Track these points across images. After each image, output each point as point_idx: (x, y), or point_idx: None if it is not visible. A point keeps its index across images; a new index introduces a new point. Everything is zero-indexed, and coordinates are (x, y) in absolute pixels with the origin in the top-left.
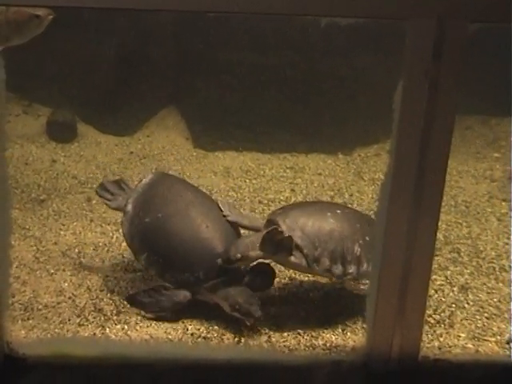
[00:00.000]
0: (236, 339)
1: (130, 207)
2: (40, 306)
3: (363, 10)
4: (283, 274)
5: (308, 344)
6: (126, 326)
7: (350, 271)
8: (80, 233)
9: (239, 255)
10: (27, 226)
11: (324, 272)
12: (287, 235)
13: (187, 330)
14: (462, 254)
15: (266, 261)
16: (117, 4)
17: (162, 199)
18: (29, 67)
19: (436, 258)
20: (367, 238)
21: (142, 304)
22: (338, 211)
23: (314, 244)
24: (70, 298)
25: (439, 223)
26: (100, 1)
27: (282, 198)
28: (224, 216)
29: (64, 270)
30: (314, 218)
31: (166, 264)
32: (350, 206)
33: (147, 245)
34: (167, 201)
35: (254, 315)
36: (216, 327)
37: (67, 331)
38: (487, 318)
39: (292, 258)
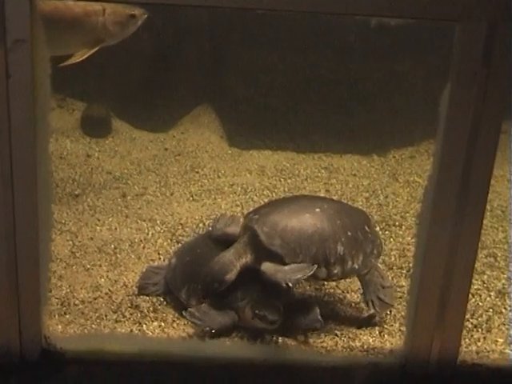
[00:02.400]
0: (273, 339)
1: (174, 259)
2: (77, 302)
3: (414, 10)
4: None
5: (345, 345)
6: (162, 323)
7: (335, 272)
8: (116, 228)
9: (216, 284)
10: (63, 221)
11: (308, 277)
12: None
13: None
14: (498, 258)
15: None
16: None
17: (201, 245)
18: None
19: None
20: (349, 234)
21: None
22: (317, 210)
23: (295, 251)
24: (106, 293)
25: None
26: None
27: None
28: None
29: (100, 266)
30: (293, 221)
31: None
32: (334, 197)
33: (186, 278)
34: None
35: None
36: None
37: (104, 327)
38: None
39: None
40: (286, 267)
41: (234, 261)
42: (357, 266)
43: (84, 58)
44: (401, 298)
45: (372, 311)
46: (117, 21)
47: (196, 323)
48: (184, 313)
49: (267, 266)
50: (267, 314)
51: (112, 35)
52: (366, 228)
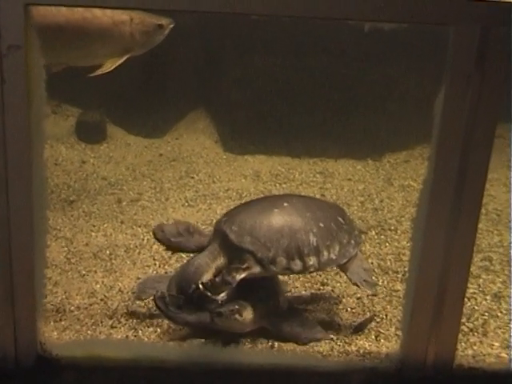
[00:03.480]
0: (269, 344)
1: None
2: (72, 308)
3: (408, 15)
4: (315, 280)
5: (341, 350)
6: (158, 329)
7: (311, 263)
8: (111, 234)
9: (193, 286)
10: (58, 227)
11: (283, 271)
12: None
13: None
14: (493, 262)
15: None
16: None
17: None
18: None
19: None
20: (321, 225)
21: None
22: (285, 204)
23: (266, 245)
24: (102, 299)
25: None
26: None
27: None
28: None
29: (96, 272)
30: (261, 217)
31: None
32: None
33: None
34: None
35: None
36: (248, 333)
37: (100, 333)
38: None
39: (246, 269)
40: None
41: (209, 262)
42: (334, 257)
43: (113, 68)
44: (396, 302)
45: (369, 291)
46: (144, 30)
47: (161, 309)
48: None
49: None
50: (224, 309)
51: (139, 45)
52: (340, 219)
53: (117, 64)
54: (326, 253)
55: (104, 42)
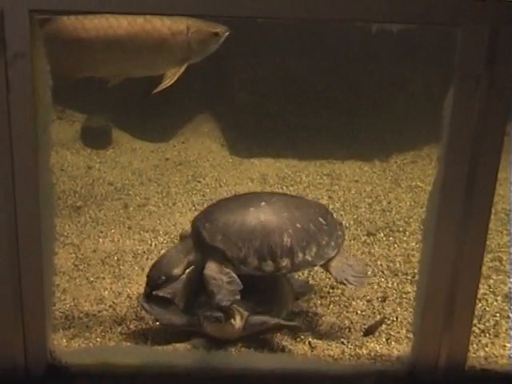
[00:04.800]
0: (280, 348)
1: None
2: (81, 315)
3: (416, 16)
4: (324, 283)
5: (352, 353)
6: (168, 335)
7: (283, 265)
8: (118, 240)
9: (163, 277)
10: (65, 233)
11: (254, 271)
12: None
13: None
14: (503, 262)
15: None
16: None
17: None
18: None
19: None
20: (298, 225)
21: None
22: (263, 203)
23: (237, 245)
24: (110, 306)
25: None
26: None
27: None
28: None
29: (104, 278)
30: (235, 216)
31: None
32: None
33: None
34: None
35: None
36: (260, 336)
37: (109, 340)
38: None
39: (213, 265)
40: (226, 285)
41: (182, 257)
42: (310, 258)
43: (174, 79)
44: (407, 304)
45: (359, 286)
46: (200, 39)
47: (145, 309)
48: (140, 299)
49: (210, 270)
50: (212, 313)
51: (196, 53)
52: (321, 220)
53: (177, 76)
54: (300, 254)
55: (162, 52)
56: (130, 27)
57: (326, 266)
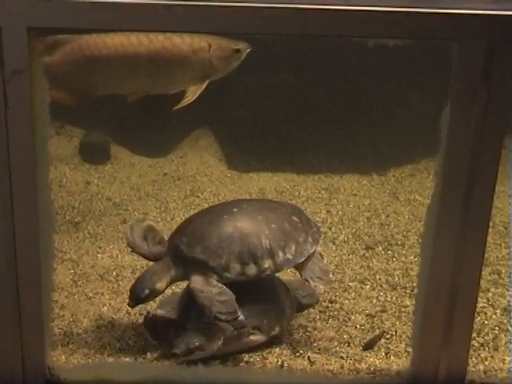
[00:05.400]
0: (279, 363)
1: None
2: (80, 331)
3: (413, 31)
4: (323, 298)
5: (352, 368)
6: (167, 351)
7: (266, 266)
8: (117, 256)
9: (147, 291)
10: (64, 249)
11: (238, 276)
12: None
13: (230, 354)
14: (502, 275)
15: None
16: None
17: None
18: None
19: None
20: (273, 226)
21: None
22: (235, 210)
23: (217, 253)
24: (109, 322)
25: None
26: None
27: (318, 219)
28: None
29: (103, 294)
30: (210, 226)
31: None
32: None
33: None
34: None
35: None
36: (259, 351)
37: (108, 356)
38: None
39: (199, 278)
40: (217, 296)
41: (164, 272)
42: (291, 257)
43: (195, 97)
44: (406, 318)
45: (322, 286)
46: (222, 56)
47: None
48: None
49: (196, 283)
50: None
51: (217, 70)
52: (295, 218)
53: (198, 93)
54: (281, 253)
55: (183, 69)
56: (150, 45)
57: (299, 265)
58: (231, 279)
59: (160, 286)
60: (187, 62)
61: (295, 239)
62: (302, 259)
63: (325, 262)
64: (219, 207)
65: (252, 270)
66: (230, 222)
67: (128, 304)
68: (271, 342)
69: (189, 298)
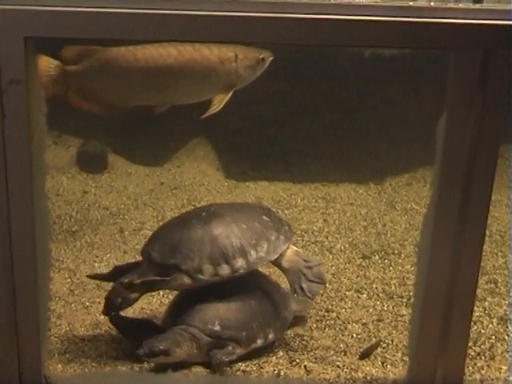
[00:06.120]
0: (275, 372)
1: None
2: (76, 340)
3: (409, 40)
4: (320, 307)
5: (348, 377)
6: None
7: (239, 265)
8: (114, 264)
9: (120, 299)
10: (61, 258)
11: (212, 278)
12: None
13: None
14: (498, 284)
15: None
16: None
17: None
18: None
19: None
20: (244, 226)
21: None
22: (204, 213)
23: (189, 256)
24: (106, 331)
25: None
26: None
27: (314, 228)
28: None
29: (99, 303)
30: (180, 231)
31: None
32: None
33: None
34: None
35: None
36: (255, 360)
37: (104, 365)
38: None
39: (172, 281)
40: None
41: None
42: (263, 254)
43: (222, 105)
44: (402, 327)
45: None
46: (248, 65)
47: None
48: None
49: None
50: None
51: (243, 79)
52: (265, 218)
53: (224, 102)
54: (253, 252)
55: (212, 79)
56: (179, 56)
57: (278, 265)
58: (205, 281)
59: (134, 296)
60: (215, 72)
61: (267, 237)
62: (275, 256)
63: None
64: (188, 213)
65: (225, 270)
66: (200, 225)
67: (102, 312)
68: (264, 351)
69: (177, 304)
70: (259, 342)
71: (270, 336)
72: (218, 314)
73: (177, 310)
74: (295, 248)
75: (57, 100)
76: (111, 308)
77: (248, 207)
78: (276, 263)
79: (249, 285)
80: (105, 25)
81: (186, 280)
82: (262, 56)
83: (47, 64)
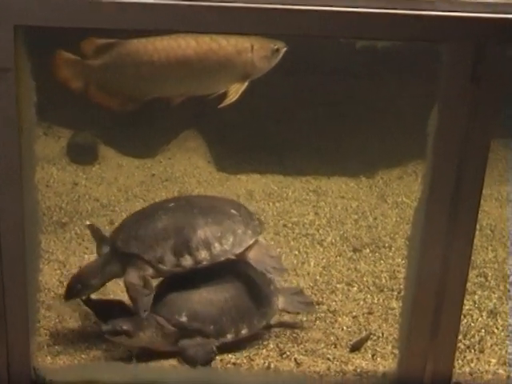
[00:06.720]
0: (265, 365)
1: None
2: (65, 332)
3: (401, 32)
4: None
5: (338, 369)
6: (153, 352)
7: (202, 257)
8: None
9: (79, 286)
10: (50, 250)
11: (175, 268)
12: None
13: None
14: (489, 278)
15: None
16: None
17: None
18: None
19: None
20: (209, 219)
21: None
22: (171, 204)
23: (152, 246)
24: (95, 322)
25: None
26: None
27: (305, 221)
28: None
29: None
30: (146, 220)
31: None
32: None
33: None
34: None
35: None
36: (245, 353)
37: (94, 357)
38: None
39: (134, 272)
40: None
41: (101, 269)
42: (228, 248)
43: (238, 95)
44: (392, 320)
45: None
46: (263, 56)
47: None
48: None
49: (130, 276)
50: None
51: (258, 70)
52: (234, 212)
53: (240, 91)
54: (217, 244)
55: (229, 70)
56: (198, 47)
57: (244, 256)
58: (167, 271)
59: (94, 282)
60: (232, 62)
61: (233, 231)
62: (240, 250)
63: (276, 251)
64: (157, 204)
65: (187, 261)
66: (165, 216)
67: (63, 297)
68: (254, 344)
69: (156, 291)
70: (229, 336)
71: (243, 331)
72: (187, 305)
73: (154, 297)
74: (265, 242)
75: (47, 90)
76: (70, 294)
77: (218, 200)
78: (242, 257)
79: (230, 277)
80: (95, 14)
81: (148, 270)
82: (276, 46)
83: (67, 60)
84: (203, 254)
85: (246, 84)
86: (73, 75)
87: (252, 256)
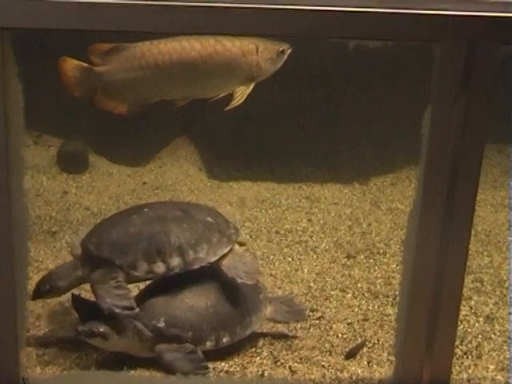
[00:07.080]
0: (259, 373)
1: None
2: (55, 341)
3: (393, 32)
4: (304, 307)
5: (333, 377)
6: (145, 361)
7: (175, 264)
8: None
9: (47, 287)
10: (40, 259)
11: (147, 274)
12: None
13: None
14: (484, 283)
15: None
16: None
17: None
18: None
19: None
20: (185, 225)
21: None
22: (146, 210)
23: (123, 251)
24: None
25: None
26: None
27: (298, 228)
28: None
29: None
30: (118, 225)
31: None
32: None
33: None
34: None
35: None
36: (239, 361)
37: (84, 367)
38: None
39: (101, 271)
40: (114, 289)
41: (72, 272)
42: (202, 255)
43: (244, 98)
44: (388, 326)
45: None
46: (268, 57)
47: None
48: None
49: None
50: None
51: (263, 72)
52: (210, 219)
53: (246, 94)
54: (191, 252)
55: (234, 72)
56: (202, 49)
57: (219, 264)
58: (139, 277)
59: (62, 284)
60: (238, 64)
61: (208, 239)
62: (215, 258)
63: (251, 257)
64: (132, 209)
65: (160, 267)
66: (139, 221)
67: (31, 297)
68: (247, 351)
69: (140, 295)
70: (208, 344)
71: (225, 339)
72: (166, 311)
73: (137, 300)
74: (240, 249)
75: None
76: (37, 294)
77: (194, 207)
78: (217, 265)
79: (214, 284)
80: (81, 16)
81: (120, 275)
82: (281, 48)
83: (74, 67)
84: (176, 262)
85: (252, 87)
86: (81, 83)
87: (225, 262)
